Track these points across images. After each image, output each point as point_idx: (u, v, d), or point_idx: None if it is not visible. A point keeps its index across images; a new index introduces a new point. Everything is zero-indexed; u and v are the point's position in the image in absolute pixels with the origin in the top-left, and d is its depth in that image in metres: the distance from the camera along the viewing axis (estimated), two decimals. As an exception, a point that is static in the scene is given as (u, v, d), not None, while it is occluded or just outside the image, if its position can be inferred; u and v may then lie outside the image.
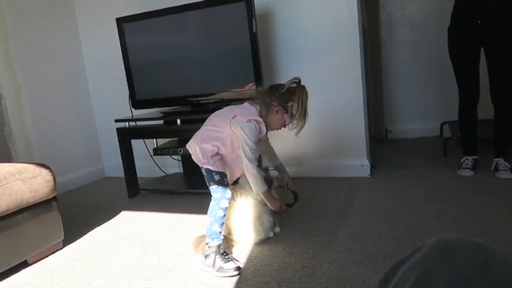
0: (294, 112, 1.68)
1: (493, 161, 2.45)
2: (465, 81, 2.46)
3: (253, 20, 2.38)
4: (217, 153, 1.75)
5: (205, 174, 1.78)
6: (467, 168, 2.50)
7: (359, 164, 2.70)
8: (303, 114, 1.70)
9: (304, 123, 1.72)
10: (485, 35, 2.32)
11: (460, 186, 2.34)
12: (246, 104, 1.77)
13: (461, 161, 2.56)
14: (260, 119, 1.69)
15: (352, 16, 2.56)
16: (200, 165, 1.78)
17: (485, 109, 2.49)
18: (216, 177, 1.74)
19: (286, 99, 1.69)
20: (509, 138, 2.47)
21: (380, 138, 3.67)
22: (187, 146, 1.81)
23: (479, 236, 1.69)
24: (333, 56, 2.65)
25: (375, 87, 3.63)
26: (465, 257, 0.52)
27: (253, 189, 1.75)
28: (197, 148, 1.75)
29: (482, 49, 2.40)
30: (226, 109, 1.79)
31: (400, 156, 3.17)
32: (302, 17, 2.68)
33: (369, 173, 2.70)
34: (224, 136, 1.71)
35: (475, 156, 2.55)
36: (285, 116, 1.71)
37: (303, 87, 1.71)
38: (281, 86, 1.72)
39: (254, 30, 2.40)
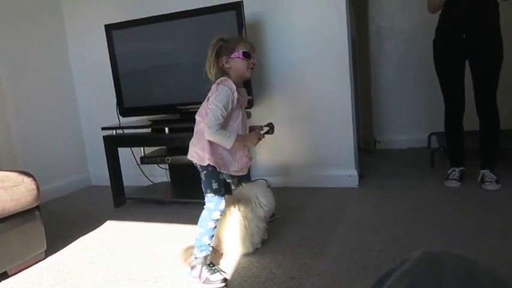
0: (232, 44, 1.68)
1: (479, 172, 2.49)
2: (451, 93, 2.50)
3: (243, 29, 2.40)
4: (216, 152, 1.69)
5: (203, 179, 1.72)
6: (454, 179, 2.54)
7: (347, 174, 2.72)
8: (240, 38, 1.69)
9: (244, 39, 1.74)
10: (470, 48, 2.37)
11: (447, 197, 2.36)
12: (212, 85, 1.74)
13: (448, 172, 2.59)
14: (223, 78, 1.68)
15: (342, 27, 2.59)
16: (204, 164, 1.69)
17: (472, 120, 2.53)
18: (214, 186, 1.70)
19: (221, 49, 1.69)
20: (495, 149, 2.51)
21: (369, 149, 3.70)
22: (189, 156, 1.75)
23: (466, 246, 1.71)
24: (323, 67, 2.67)
25: (363, 98, 3.67)
26: (450, 269, 0.52)
27: (226, 146, 1.65)
28: (198, 150, 1.69)
29: (467, 62, 2.45)
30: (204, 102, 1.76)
31: (389, 166, 3.20)
32: (292, 27, 2.71)
33: (358, 184, 2.71)
34: None
35: (462, 168, 2.59)
36: (233, 55, 1.68)
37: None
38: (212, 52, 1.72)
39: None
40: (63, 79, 3.37)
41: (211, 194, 1.71)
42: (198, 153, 1.71)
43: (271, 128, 1.92)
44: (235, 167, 1.75)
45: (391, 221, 2.08)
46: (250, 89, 2.46)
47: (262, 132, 1.84)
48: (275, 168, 2.89)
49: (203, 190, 1.74)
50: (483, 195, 2.34)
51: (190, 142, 1.77)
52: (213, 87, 1.71)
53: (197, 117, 1.75)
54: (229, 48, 1.69)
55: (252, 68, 1.73)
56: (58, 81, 3.33)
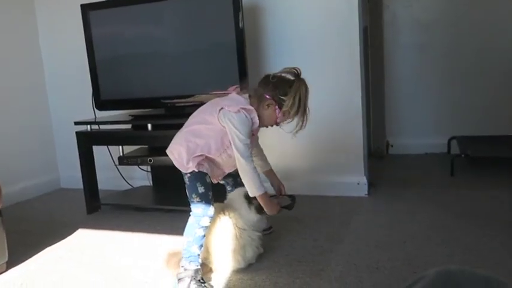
0: (287, 108, 1.70)
1: None
2: None
3: (240, 13, 2.40)
4: (206, 157, 1.74)
5: (188, 183, 1.75)
6: None
7: (355, 182, 2.73)
8: (302, 111, 1.72)
9: (304, 123, 1.74)
10: None
11: (470, 210, 2.38)
12: (233, 94, 1.79)
13: None
14: (251, 107, 1.70)
15: (352, 14, 2.60)
16: (184, 171, 1.75)
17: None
18: (201, 190, 1.72)
19: (279, 92, 1.71)
20: None
21: (380, 153, 3.72)
22: (168, 151, 1.80)
23: (490, 268, 1.72)
24: (329, 59, 2.69)
25: (375, 95, 3.68)
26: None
27: (249, 192, 1.72)
28: (182, 150, 1.72)
29: None
30: (210, 103, 1.80)
31: (402, 174, 3.21)
32: (296, 13, 2.71)
33: (367, 193, 2.72)
34: (213, 134, 1.71)
35: None
36: (277, 111, 1.73)
37: (302, 80, 1.72)
38: (273, 74, 1.74)
39: (241, 25, 2.42)
40: (31, 66, 3.36)
41: (198, 199, 1.73)
42: (180, 155, 1.73)
43: (293, 202, 1.93)
44: (219, 173, 1.82)
45: (403, 236, 2.09)
46: (246, 81, 2.47)
47: (281, 205, 1.86)
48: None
49: (188, 195, 1.76)
50: None
51: (176, 137, 1.79)
52: (234, 98, 1.75)
53: (198, 116, 1.79)
54: (285, 101, 1.70)
55: (275, 124, 1.81)
56: (25, 68, 3.32)
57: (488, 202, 2.48)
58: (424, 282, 0.57)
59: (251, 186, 1.71)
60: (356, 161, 2.73)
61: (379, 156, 3.68)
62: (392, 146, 3.84)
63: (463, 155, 3.03)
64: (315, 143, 2.79)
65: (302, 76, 1.75)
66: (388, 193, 2.76)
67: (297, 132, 1.74)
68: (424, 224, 2.22)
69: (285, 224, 2.31)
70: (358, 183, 2.73)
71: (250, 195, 1.74)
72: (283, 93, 1.71)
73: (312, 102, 2.76)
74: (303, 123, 1.74)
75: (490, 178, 2.92)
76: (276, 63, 2.78)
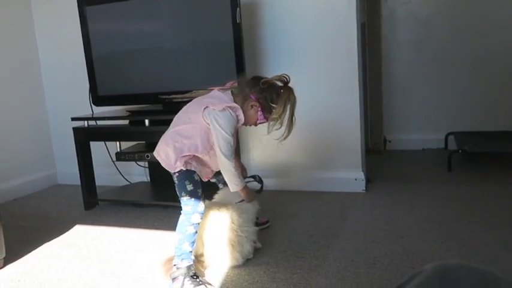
0: (277, 116, 1.72)
1: None
2: None
3: (238, 8, 2.40)
4: (193, 156, 1.76)
5: (176, 182, 1.77)
6: None
7: (353, 178, 2.73)
8: (290, 120, 1.74)
9: (289, 132, 1.75)
10: None
11: (466, 205, 2.39)
12: (215, 92, 1.80)
13: None
14: (236, 105, 1.72)
15: (350, 10, 2.60)
16: (172, 170, 1.77)
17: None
18: (189, 187, 1.74)
19: (266, 97, 1.73)
20: None
21: (377, 149, 3.72)
22: (155, 153, 1.81)
23: (486, 262, 1.73)
24: (327, 54, 2.68)
25: (373, 91, 3.69)
26: (466, 285, 0.53)
27: (230, 187, 1.78)
28: (169, 150, 1.73)
29: None
30: (194, 101, 1.81)
31: (400, 169, 3.22)
32: (294, 8, 2.71)
33: (364, 188, 2.73)
34: (199, 133, 1.72)
35: None
36: (259, 113, 1.75)
37: (291, 90, 1.74)
38: (264, 79, 1.75)
39: (238, 21, 2.41)
40: (27, 62, 3.35)
41: (187, 197, 1.74)
42: (168, 156, 1.74)
43: (261, 186, 2.03)
44: (207, 171, 1.84)
45: (401, 231, 2.09)
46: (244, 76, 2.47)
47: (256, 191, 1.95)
48: (270, 168, 2.89)
49: (178, 194, 1.78)
50: (509, 203, 2.36)
51: (162, 139, 1.80)
52: (218, 96, 1.76)
53: (183, 115, 1.79)
54: (276, 109, 1.72)
55: (254, 125, 1.84)
56: (22, 63, 3.30)
57: (485, 197, 2.48)
58: (421, 278, 0.57)
59: (232, 183, 1.76)
60: (354, 156, 2.73)
61: (376, 152, 3.68)
62: (389, 141, 3.84)
63: (460, 151, 3.04)
64: (313, 138, 2.79)
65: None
66: (386, 189, 2.76)
67: (284, 139, 1.75)
68: (421, 219, 2.22)
69: (282, 220, 2.32)
70: (356, 179, 2.73)
71: (231, 190, 1.78)
72: (270, 99, 1.73)
73: (309, 98, 2.78)
74: (289, 131, 1.76)
75: (487, 174, 2.93)
76: (274, 58, 2.78)
